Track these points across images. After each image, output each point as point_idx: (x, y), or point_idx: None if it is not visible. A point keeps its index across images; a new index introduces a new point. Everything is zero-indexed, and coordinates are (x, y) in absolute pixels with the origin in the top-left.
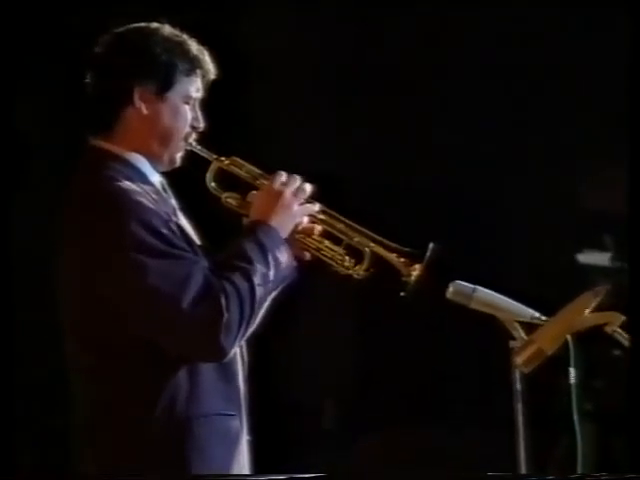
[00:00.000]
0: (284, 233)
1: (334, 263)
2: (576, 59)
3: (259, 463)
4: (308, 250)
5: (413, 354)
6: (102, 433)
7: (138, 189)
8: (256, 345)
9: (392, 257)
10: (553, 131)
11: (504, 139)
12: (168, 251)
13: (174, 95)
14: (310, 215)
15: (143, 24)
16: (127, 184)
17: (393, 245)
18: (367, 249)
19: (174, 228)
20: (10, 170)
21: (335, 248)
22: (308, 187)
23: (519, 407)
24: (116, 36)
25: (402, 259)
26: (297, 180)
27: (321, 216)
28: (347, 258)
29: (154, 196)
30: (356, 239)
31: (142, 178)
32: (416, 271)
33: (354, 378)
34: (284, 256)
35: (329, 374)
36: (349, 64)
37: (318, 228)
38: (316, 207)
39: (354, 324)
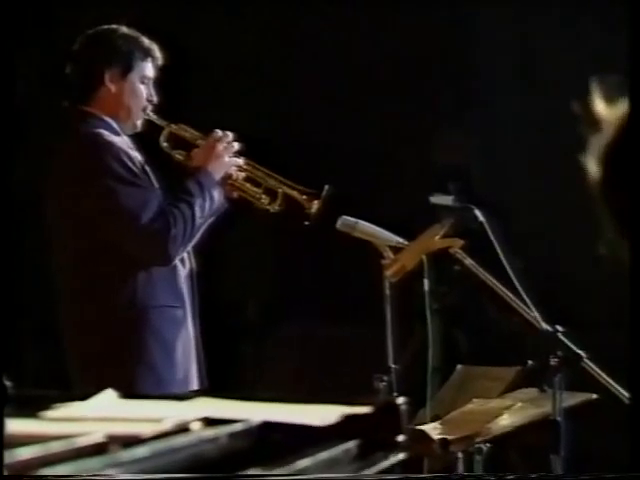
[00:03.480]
0: (217, 176)
1: (255, 200)
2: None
3: (205, 346)
4: (235, 190)
5: (314, 268)
6: (82, 318)
7: (112, 135)
8: (202, 256)
9: (297, 195)
10: (415, 101)
11: (379, 100)
12: (134, 181)
13: (134, 76)
14: (237, 165)
15: (106, 26)
16: (103, 131)
17: (298, 186)
18: (279, 190)
19: (139, 166)
20: (12, 131)
21: (255, 189)
22: (236, 145)
23: (388, 308)
24: (88, 36)
25: (305, 197)
26: (229, 137)
27: (245, 166)
28: (264, 197)
29: (123, 145)
30: (271, 182)
31: (114, 132)
32: (316, 205)
33: (271, 282)
34: (217, 193)
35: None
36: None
37: (242, 175)
38: (241, 160)
39: (272, 245)
